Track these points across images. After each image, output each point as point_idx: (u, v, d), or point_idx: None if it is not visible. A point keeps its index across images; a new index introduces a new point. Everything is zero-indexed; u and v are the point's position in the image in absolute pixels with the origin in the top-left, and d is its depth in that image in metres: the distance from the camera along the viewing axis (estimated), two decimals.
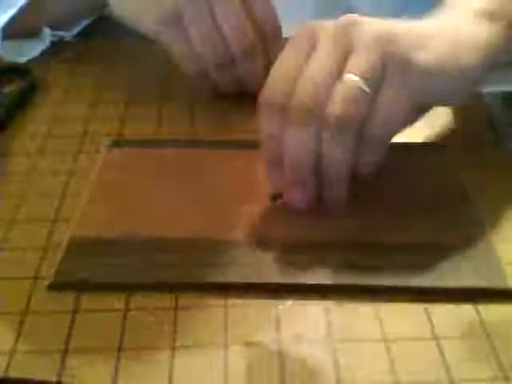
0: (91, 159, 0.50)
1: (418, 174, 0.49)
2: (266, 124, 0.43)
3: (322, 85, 0.42)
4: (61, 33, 0.68)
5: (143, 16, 0.58)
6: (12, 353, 0.36)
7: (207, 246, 0.42)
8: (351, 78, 0.41)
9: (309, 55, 0.43)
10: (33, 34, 0.66)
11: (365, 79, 0.41)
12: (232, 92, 0.58)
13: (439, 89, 0.44)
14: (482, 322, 0.38)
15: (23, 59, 0.64)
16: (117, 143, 0.53)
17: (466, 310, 0.39)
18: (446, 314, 0.38)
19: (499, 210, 0.46)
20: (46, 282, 0.40)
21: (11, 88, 0.60)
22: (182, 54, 0.56)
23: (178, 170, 0.50)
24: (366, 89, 0.41)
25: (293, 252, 0.42)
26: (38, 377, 0.35)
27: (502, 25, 0.46)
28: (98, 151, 0.52)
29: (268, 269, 0.41)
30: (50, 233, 0.44)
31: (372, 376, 0.35)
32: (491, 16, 0.46)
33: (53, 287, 0.40)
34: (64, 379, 0.35)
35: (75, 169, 0.51)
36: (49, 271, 0.41)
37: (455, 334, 0.37)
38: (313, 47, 0.43)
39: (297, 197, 0.44)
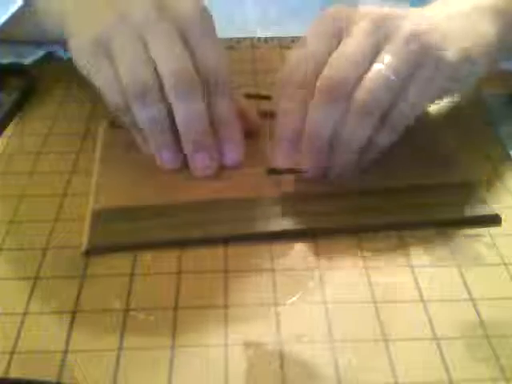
0: (92, 159, 0.50)
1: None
2: (285, 98, 0.46)
3: (354, 67, 0.44)
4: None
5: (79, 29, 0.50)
6: (12, 353, 0.36)
7: (225, 205, 0.45)
8: (381, 67, 0.44)
9: (338, 37, 0.46)
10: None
11: (394, 70, 0.44)
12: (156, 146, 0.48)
13: (463, 79, 0.48)
14: (481, 322, 0.38)
15: (23, 61, 0.63)
16: (114, 124, 0.53)
17: (466, 309, 0.39)
18: (446, 314, 0.38)
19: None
20: (82, 249, 0.42)
21: (11, 88, 0.60)
22: (105, 82, 0.47)
23: None
24: (394, 79, 0.44)
25: (292, 203, 0.45)
26: (38, 377, 0.35)
27: (501, 18, 0.50)
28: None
29: (271, 219, 0.44)
30: (50, 233, 0.44)
31: (372, 376, 0.35)
32: (489, 10, 0.50)
33: (89, 252, 0.42)
34: (64, 379, 0.35)
35: (76, 168, 0.51)
36: (49, 271, 0.41)
37: (455, 334, 0.37)
38: (342, 31, 0.46)
39: (309, 167, 0.46)
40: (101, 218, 0.44)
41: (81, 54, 0.48)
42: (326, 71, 0.44)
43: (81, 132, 0.55)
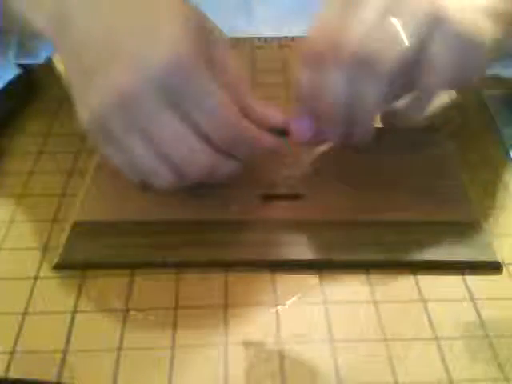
0: (91, 159, 0.50)
1: (413, 154, 0.50)
2: (306, 72, 0.43)
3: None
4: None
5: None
6: (12, 353, 0.36)
7: (206, 226, 0.43)
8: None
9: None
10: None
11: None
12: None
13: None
14: (482, 322, 0.38)
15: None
16: None
17: (466, 309, 0.39)
18: (446, 314, 0.38)
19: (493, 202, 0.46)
20: (52, 263, 0.42)
21: (11, 88, 0.60)
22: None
23: None
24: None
25: (292, 231, 0.43)
26: (38, 377, 0.35)
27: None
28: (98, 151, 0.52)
29: (267, 247, 0.42)
30: (50, 233, 0.44)
31: (372, 376, 0.35)
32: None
33: (58, 267, 0.41)
34: (64, 379, 0.35)
35: (75, 168, 0.51)
36: (49, 271, 0.41)
37: (455, 334, 0.37)
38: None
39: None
40: (79, 231, 0.43)
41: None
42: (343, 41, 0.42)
43: (80, 132, 0.54)
